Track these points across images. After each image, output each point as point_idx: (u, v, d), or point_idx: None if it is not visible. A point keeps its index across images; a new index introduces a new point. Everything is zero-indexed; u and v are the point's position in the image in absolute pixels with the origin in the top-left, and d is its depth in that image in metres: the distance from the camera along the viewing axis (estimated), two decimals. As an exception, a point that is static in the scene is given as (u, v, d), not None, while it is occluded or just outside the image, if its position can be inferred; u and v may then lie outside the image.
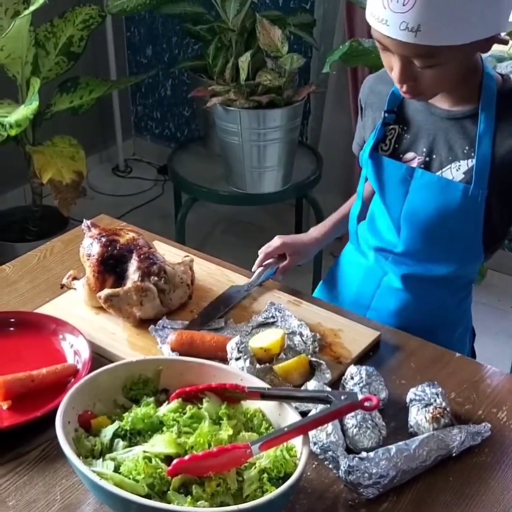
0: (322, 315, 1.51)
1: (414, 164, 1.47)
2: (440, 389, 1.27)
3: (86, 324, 1.47)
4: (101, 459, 1.10)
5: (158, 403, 1.20)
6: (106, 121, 4.02)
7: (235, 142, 2.86)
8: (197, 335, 1.39)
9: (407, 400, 1.29)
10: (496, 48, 1.65)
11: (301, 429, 1.10)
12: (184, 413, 1.15)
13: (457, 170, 1.42)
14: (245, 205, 3.38)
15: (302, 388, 1.28)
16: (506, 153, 1.39)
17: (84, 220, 1.61)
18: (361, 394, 1.26)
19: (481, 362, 1.45)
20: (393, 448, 1.17)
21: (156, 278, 1.47)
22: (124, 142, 4.12)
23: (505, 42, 1.34)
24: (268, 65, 2.75)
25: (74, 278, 1.57)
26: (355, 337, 1.45)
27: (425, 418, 1.23)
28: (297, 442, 1.11)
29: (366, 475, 1.13)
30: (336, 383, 1.32)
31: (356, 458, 1.15)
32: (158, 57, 3.92)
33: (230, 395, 1.18)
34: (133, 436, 1.14)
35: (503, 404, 1.32)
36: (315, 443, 1.19)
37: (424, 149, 1.46)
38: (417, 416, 1.24)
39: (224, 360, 1.32)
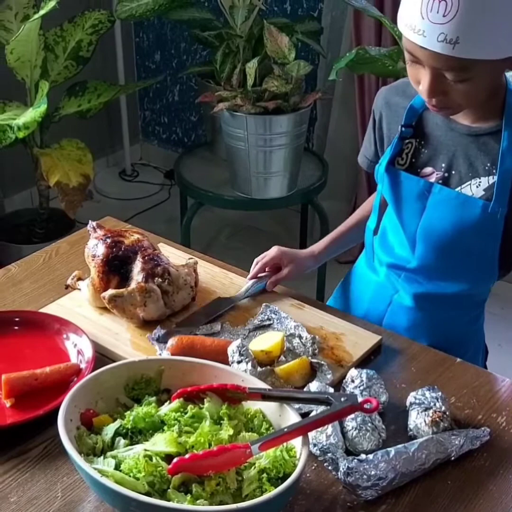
0: (324, 319, 1.52)
1: (432, 179, 1.45)
2: (440, 393, 1.28)
3: (90, 324, 1.48)
4: (102, 457, 1.11)
5: (160, 403, 1.21)
6: (113, 125, 4.05)
7: (241, 148, 2.87)
8: (197, 340, 1.40)
9: (407, 403, 1.29)
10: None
11: (301, 430, 1.11)
12: (185, 413, 1.16)
13: (477, 187, 1.41)
14: (250, 210, 3.39)
15: (305, 389, 1.28)
16: None
17: (90, 221, 1.63)
18: (362, 397, 1.27)
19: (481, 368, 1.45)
20: (392, 450, 1.18)
21: (160, 280, 1.48)
22: (131, 146, 4.14)
23: None
24: (275, 72, 2.76)
25: (79, 279, 1.58)
26: (357, 340, 1.46)
27: (425, 421, 1.24)
28: (296, 443, 1.12)
29: (365, 477, 1.14)
30: (337, 386, 1.33)
31: (355, 460, 1.16)
32: (166, 62, 3.94)
33: (231, 396, 1.19)
34: (134, 435, 1.15)
35: (503, 409, 1.33)
36: (315, 445, 1.19)
37: (443, 165, 1.44)
38: (417, 420, 1.25)
39: (225, 364, 1.33)
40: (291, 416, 1.15)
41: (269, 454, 1.10)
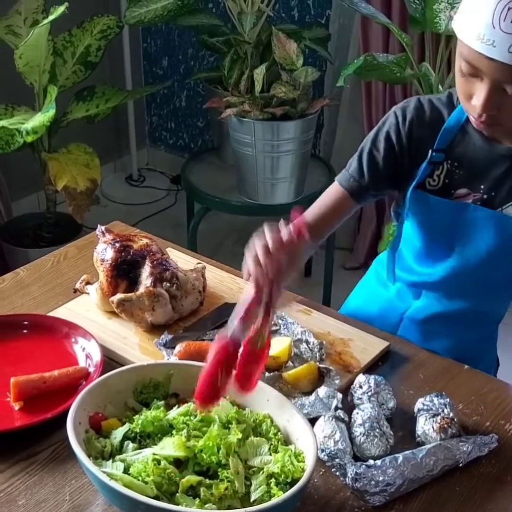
0: (332, 324, 1.52)
1: (469, 200, 1.43)
2: (448, 399, 1.28)
3: (98, 328, 1.48)
4: (110, 461, 1.11)
5: (168, 407, 1.22)
6: (120, 130, 4.06)
7: (248, 153, 2.88)
8: (205, 346, 1.40)
9: (415, 409, 1.29)
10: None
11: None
12: (194, 417, 1.16)
13: None
14: (257, 216, 3.39)
15: (313, 394, 1.29)
16: None
17: (99, 226, 1.63)
18: (370, 402, 1.27)
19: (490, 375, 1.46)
20: (400, 456, 1.18)
21: (168, 284, 1.49)
22: (138, 151, 4.15)
23: None
24: (283, 78, 2.77)
25: (87, 283, 1.59)
26: (365, 346, 1.46)
27: (433, 428, 1.24)
28: (305, 448, 1.12)
29: (373, 482, 1.14)
30: (345, 391, 1.33)
31: (363, 466, 1.16)
32: (173, 68, 3.95)
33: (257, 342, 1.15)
34: (143, 439, 1.16)
35: (511, 416, 1.32)
36: (322, 450, 1.19)
37: (482, 186, 1.42)
38: (425, 426, 1.25)
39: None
40: (299, 421, 1.16)
41: (277, 459, 1.10)
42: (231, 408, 1.18)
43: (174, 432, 1.15)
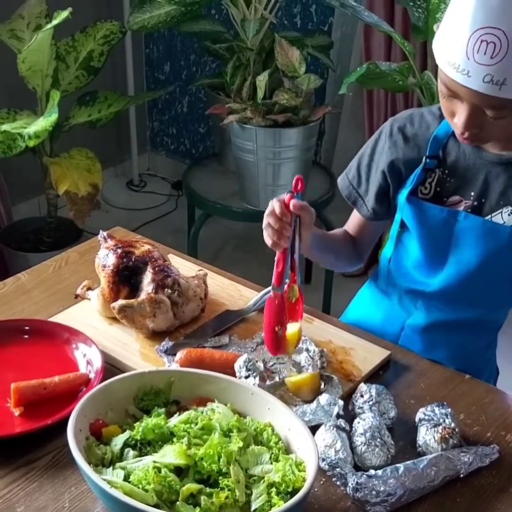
0: (333, 333, 1.52)
1: (460, 207, 1.45)
2: (449, 409, 1.28)
3: (99, 334, 1.48)
4: (111, 468, 1.11)
5: (169, 414, 1.21)
6: (122, 135, 4.06)
7: (250, 160, 2.88)
8: (206, 353, 1.40)
9: (416, 419, 1.29)
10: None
11: None
12: (195, 425, 1.16)
13: (509, 215, 1.41)
14: (258, 222, 3.38)
15: (315, 401, 1.28)
16: None
17: (101, 231, 1.63)
18: (371, 412, 1.27)
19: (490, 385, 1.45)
20: (401, 466, 1.17)
21: (170, 291, 1.49)
22: (139, 156, 4.15)
23: None
24: (285, 85, 2.77)
25: (89, 288, 1.59)
26: (366, 355, 1.45)
27: (434, 438, 1.24)
28: (306, 457, 1.12)
29: (374, 492, 1.14)
30: (346, 400, 1.32)
31: (364, 476, 1.15)
32: (175, 74, 3.96)
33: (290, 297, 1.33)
34: (144, 446, 1.15)
35: (512, 427, 1.32)
36: (323, 460, 1.19)
37: (472, 193, 1.44)
38: (426, 436, 1.25)
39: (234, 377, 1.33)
40: (300, 430, 1.15)
41: (278, 468, 1.10)
42: (232, 417, 1.18)
43: (175, 440, 1.14)
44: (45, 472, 1.21)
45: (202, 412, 1.20)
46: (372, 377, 1.41)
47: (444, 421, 1.25)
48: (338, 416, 1.26)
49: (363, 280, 1.77)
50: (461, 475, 1.21)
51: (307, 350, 1.43)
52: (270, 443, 1.16)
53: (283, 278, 1.33)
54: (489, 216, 1.43)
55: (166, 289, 1.48)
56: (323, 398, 1.28)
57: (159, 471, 1.08)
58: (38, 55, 2.75)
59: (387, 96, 3.12)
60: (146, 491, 1.05)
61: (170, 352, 1.43)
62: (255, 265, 3.09)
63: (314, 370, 1.38)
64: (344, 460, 1.19)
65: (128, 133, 4.05)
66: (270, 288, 1.61)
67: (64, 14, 2.61)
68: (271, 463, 1.13)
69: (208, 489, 1.08)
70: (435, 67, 2.64)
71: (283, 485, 1.08)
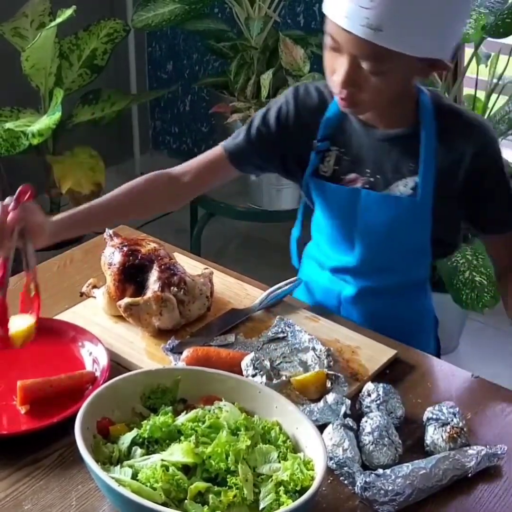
0: (340, 332, 1.51)
1: (358, 184, 1.50)
2: (457, 409, 1.27)
3: (105, 332, 1.48)
4: (118, 466, 1.10)
5: (176, 413, 1.21)
6: (124, 134, 4.05)
7: (253, 159, 2.87)
8: (212, 351, 1.40)
9: (424, 418, 1.28)
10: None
11: None
12: (203, 423, 1.16)
13: (404, 186, 1.47)
14: (262, 222, 3.39)
15: (322, 400, 1.28)
16: (448, 166, 1.44)
17: (107, 230, 1.63)
18: (378, 411, 1.26)
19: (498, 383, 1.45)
20: (409, 466, 1.17)
21: (176, 289, 1.48)
22: (141, 155, 4.14)
23: (446, 68, 1.35)
24: (289, 83, 2.77)
25: (94, 287, 1.58)
26: (372, 354, 1.45)
27: (442, 437, 1.23)
28: (314, 456, 1.12)
29: (382, 492, 1.13)
30: (353, 399, 1.32)
31: (373, 475, 1.15)
32: (178, 72, 3.95)
33: None
34: (151, 445, 1.15)
35: (520, 426, 1.32)
36: (331, 459, 1.19)
37: (367, 170, 1.49)
38: (434, 435, 1.24)
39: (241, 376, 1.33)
40: (308, 428, 1.15)
41: (286, 466, 1.10)
42: (240, 415, 1.17)
43: (182, 438, 1.14)
44: (51, 470, 1.21)
45: (209, 411, 1.19)
46: (378, 376, 1.41)
47: (452, 420, 1.25)
48: (346, 415, 1.26)
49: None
50: (469, 475, 1.20)
51: (314, 349, 1.43)
52: (278, 442, 1.16)
53: (4, 283, 1.37)
54: (387, 189, 1.48)
55: (172, 287, 1.48)
56: (330, 397, 1.27)
57: (167, 470, 1.07)
58: (41, 53, 2.75)
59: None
60: (154, 489, 1.05)
61: (176, 351, 1.43)
62: (259, 265, 3.08)
63: (321, 369, 1.37)
64: (352, 459, 1.18)
65: (130, 132, 4.04)
66: (275, 287, 1.62)
67: (68, 12, 2.61)
68: (279, 462, 1.12)
69: (216, 488, 1.07)
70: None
71: (291, 483, 1.08)
